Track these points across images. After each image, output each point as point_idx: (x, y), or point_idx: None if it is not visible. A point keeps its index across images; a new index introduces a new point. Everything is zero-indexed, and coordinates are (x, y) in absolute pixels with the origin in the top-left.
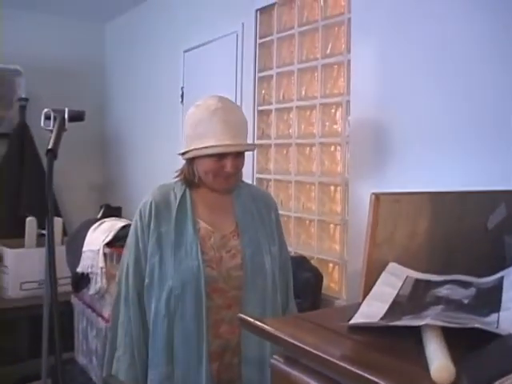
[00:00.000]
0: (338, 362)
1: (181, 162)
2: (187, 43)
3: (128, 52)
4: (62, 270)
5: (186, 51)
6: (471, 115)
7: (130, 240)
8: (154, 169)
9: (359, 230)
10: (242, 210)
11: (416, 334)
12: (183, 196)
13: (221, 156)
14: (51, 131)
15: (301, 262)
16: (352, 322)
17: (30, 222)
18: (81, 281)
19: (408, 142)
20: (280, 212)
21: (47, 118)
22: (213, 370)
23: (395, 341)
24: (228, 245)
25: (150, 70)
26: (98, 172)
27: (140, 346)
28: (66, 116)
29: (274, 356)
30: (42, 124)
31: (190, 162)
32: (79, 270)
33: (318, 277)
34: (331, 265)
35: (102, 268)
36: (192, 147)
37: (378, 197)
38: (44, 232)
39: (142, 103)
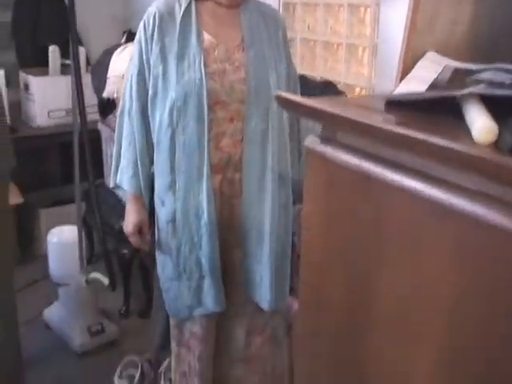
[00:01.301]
0: (382, 125)
1: None
2: None
3: None
4: (88, 98)
5: None
6: None
7: (134, 52)
8: None
9: (388, 53)
10: (249, 24)
11: (457, 113)
12: (188, 7)
13: None
14: None
15: (327, 87)
16: (391, 97)
17: (53, 50)
18: (107, 106)
19: None
20: (307, 36)
21: None
22: (215, 183)
23: (436, 116)
24: (232, 58)
25: None
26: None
27: (143, 156)
28: None
29: (309, 137)
30: None
31: None
32: (105, 95)
33: None
34: (358, 89)
35: None
36: None
37: None
38: (67, 61)
39: None
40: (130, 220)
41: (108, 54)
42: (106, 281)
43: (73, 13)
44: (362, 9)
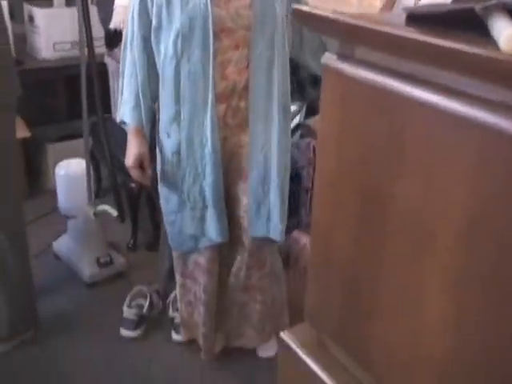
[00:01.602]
0: (405, 34)
1: None
2: None
3: None
4: (94, 31)
5: None
6: None
7: None
8: None
9: None
10: None
11: (482, 29)
12: None
13: None
14: None
15: None
16: (412, 10)
17: None
18: (114, 38)
19: None
20: None
21: None
22: (219, 112)
23: (460, 31)
24: None
25: None
26: None
27: (144, 88)
28: None
29: (325, 54)
30: None
31: None
32: (111, 26)
33: None
34: None
35: None
36: None
37: None
38: None
39: None
40: (131, 153)
41: None
42: (114, 212)
43: None
44: None
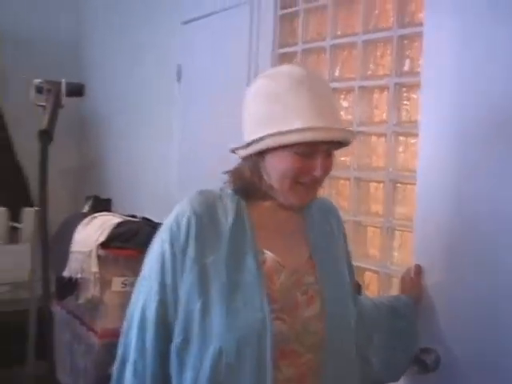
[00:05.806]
0: None
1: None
2: (186, 14)
3: (111, 22)
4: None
5: (184, 23)
6: None
7: (151, 272)
8: (146, 156)
9: (428, 233)
10: (316, 232)
11: None
12: (239, 211)
13: (310, 151)
14: (44, 107)
15: None
16: None
17: (0, 213)
18: (67, 287)
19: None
20: None
21: (39, 91)
22: None
23: None
24: (302, 283)
25: (139, 44)
26: (75, 157)
27: None
28: (64, 89)
29: None
30: (33, 98)
31: (257, 158)
32: (66, 274)
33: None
34: (369, 274)
35: (95, 273)
36: (266, 133)
37: None
38: (17, 225)
39: (130, 81)
40: None
41: (70, 223)
42: None
43: (44, 173)
44: (374, 184)
